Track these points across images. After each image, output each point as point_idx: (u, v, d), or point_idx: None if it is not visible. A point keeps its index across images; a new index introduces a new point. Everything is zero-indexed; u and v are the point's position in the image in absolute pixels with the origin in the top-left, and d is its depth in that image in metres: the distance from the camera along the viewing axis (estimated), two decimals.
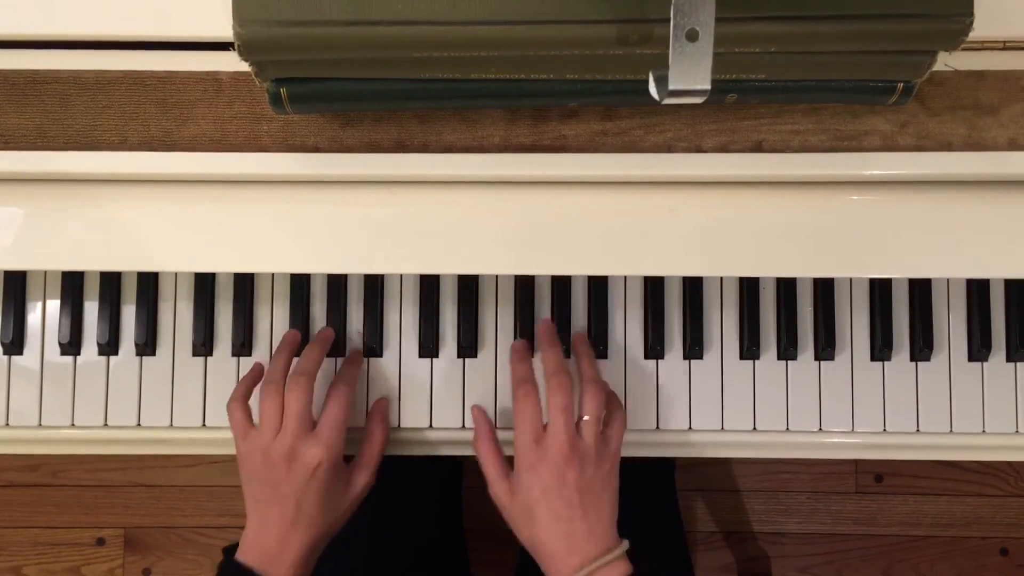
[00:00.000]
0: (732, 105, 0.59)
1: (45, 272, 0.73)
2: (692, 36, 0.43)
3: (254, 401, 0.69)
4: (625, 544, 0.64)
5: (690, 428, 0.73)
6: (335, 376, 0.70)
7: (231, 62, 0.59)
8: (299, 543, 0.65)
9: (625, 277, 0.73)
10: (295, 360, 0.69)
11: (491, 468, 0.67)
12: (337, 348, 0.73)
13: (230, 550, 0.67)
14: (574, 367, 0.69)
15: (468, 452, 0.74)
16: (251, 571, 0.64)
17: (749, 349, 0.72)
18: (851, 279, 0.73)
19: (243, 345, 0.72)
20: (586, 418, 0.65)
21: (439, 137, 0.60)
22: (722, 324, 0.73)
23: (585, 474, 0.63)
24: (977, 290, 0.73)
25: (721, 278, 0.73)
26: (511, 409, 0.69)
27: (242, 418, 0.67)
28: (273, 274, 0.73)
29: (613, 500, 0.65)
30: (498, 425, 0.72)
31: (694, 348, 0.73)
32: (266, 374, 0.68)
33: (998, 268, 0.62)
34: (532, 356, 0.71)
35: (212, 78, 0.59)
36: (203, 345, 0.72)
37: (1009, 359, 0.73)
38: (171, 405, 0.73)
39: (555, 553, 0.63)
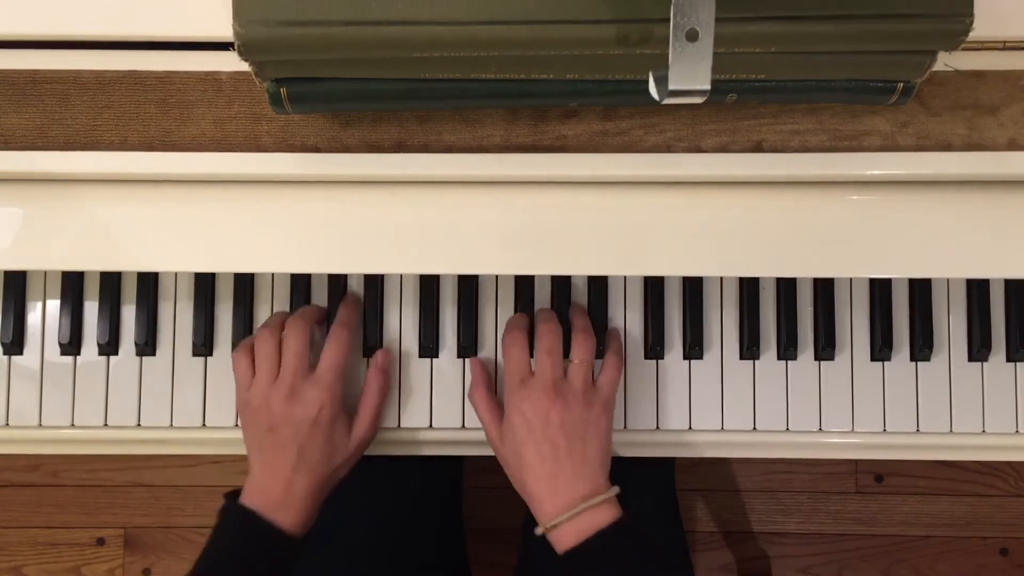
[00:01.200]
0: (732, 105, 0.59)
1: (45, 272, 0.73)
2: (692, 36, 0.43)
3: None
4: (615, 489, 0.63)
5: (690, 428, 0.73)
6: (335, 320, 0.70)
7: (231, 62, 0.59)
8: (302, 487, 0.64)
9: (625, 277, 0.73)
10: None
11: (485, 413, 0.68)
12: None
13: (233, 495, 0.66)
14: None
15: (468, 452, 0.74)
16: (254, 513, 0.64)
17: (749, 349, 0.72)
18: (851, 279, 0.73)
19: None
20: (575, 361, 0.65)
21: (439, 137, 0.60)
22: (722, 324, 0.73)
23: (571, 414, 0.63)
24: (977, 290, 0.73)
25: (721, 278, 0.73)
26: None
27: (246, 366, 0.67)
28: (273, 274, 0.73)
29: (602, 444, 0.65)
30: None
31: (694, 348, 0.73)
32: (265, 322, 0.69)
33: (998, 268, 0.62)
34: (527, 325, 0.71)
35: (212, 78, 0.59)
36: (203, 345, 0.72)
37: (1009, 359, 0.73)
38: (171, 405, 0.73)
39: (541, 494, 0.63)
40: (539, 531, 0.63)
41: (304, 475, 0.64)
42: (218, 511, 0.66)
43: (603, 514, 0.61)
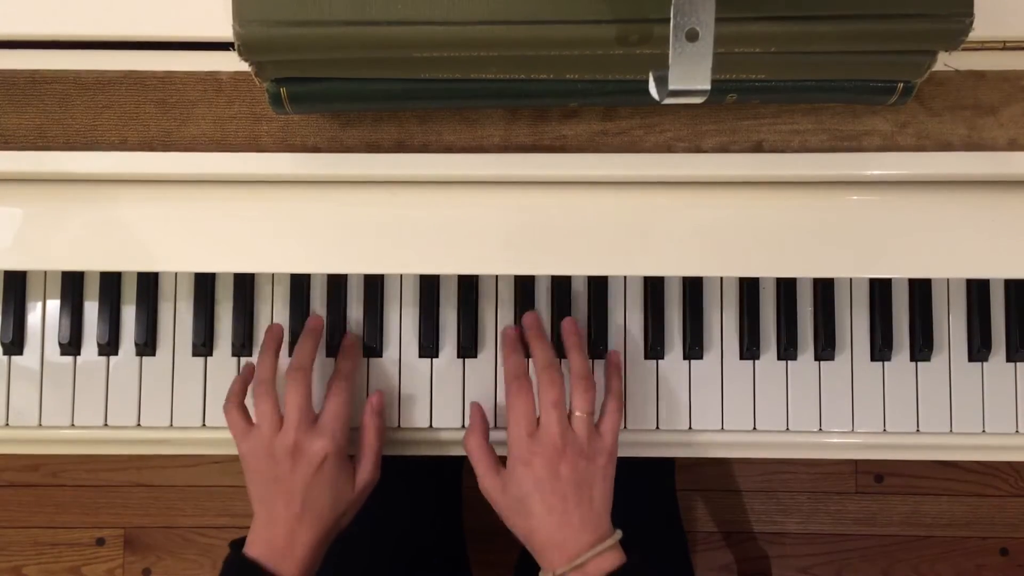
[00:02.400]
0: (732, 105, 0.59)
1: (45, 272, 0.73)
2: (692, 36, 0.43)
3: (248, 402, 0.69)
4: (618, 534, 0.64)
5: (690, 428, 0.73)
6: (333, 372, 0.70)
7: (231, 62, 0.59)
8: (307, 538, 0.65)
9: (625, 277, 0.73)
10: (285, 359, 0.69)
11: (481, 462, 0.68)
12: (332, 346, 0.73)
13: (237, 544, 0.66)
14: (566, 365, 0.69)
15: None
16: (257, 565, 0.64)
17: (749, 349, 0.72)
18: (851, 279, 0.73)
19: (243, 345, 0.72)
20: (577, 414, 0.65)
21: (439, 137, 0.60)
22: (722, 324, 0.73)
23: (578, 467, 0.64)
24: (977, 290, 0.73)
25: (721, 278, 0.73)
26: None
27: (239, 418, 0.68)
28: (273, 274, 0.73)
29: (607, 492, 0.65)
30: (496, 425, 0.72)
31: (694, 348, 0.73)
32: (256, 375, 0.68)
33: (998, 268, 0.62)
34: (524, 347, 0.71)
35: (212, 78, 0.59)
36: (203, 345, 0.72)
37: (1009, 359, 0.73)
38: (171, 405, 0.73)
39: (548, 544, 0.63)
40: None
41: (308, 525, 0.65)
42: (223, 561, 0.66)
43: (608, 560, 0.62)
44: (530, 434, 0.65)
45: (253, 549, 0.65)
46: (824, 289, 0.73)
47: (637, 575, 0.63)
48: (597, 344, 0.72)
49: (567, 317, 0.72)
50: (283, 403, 0.66)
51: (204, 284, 0.72)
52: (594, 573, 0.62)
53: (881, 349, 0.72)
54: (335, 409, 0.67)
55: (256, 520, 0.66)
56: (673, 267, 0.62)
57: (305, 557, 0.65)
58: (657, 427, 0.73)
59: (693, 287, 0.73)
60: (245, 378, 0.70)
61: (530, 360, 0.70)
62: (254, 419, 0.67)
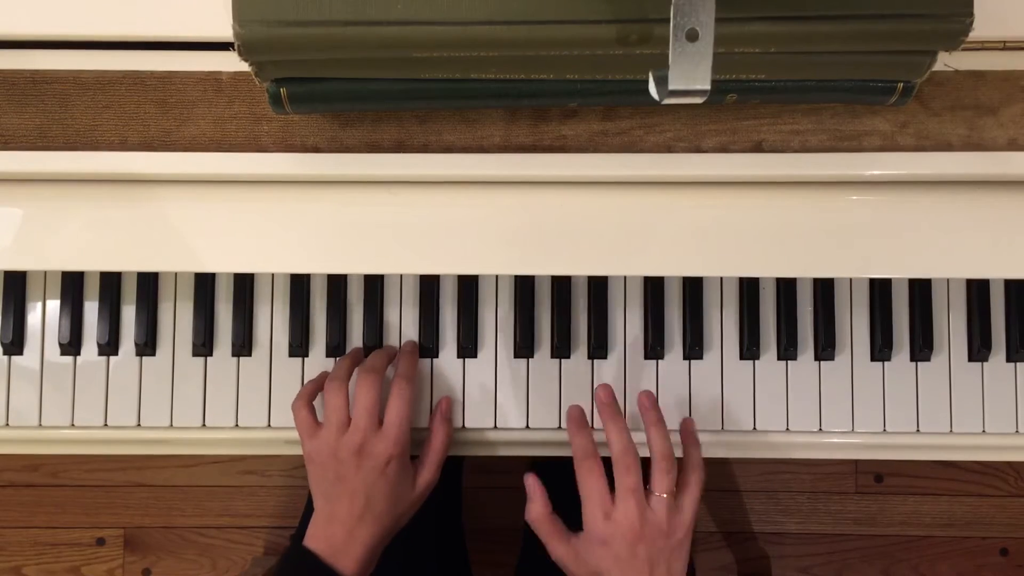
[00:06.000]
0: (732, 105, 0.59)
1: (45, 272, 0.73)
2: (692, 36, 0.43)
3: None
4: None
5: None
6: (395, 373, 0.70)
7: (231, 62, 0.59)
8: (366, 536, 0.66)
9: (625, 277, 0.73)
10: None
11: (549, 535, 0.68)
12: (331, 347, 0.72)
13: (297, 537, 0.67)
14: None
15: (469, 452, 0.74)
16: (317, 557, 0.65)
17: (749, 349, 0.72)
18: (851, 279, 0.73)
19: (243, 345, 0.72)
20: (657, 494, 0.65)
21: (439, 137, 0.60)
22: (722, 324, 0.73)
23: (656, 546, 0.64)
24: (977, 290, 0.73)
25: (721, 278, 0.73)
26: (507, 408, 0.71)
27: (307, 416, 0.68)
28: (273, 274, 0.73)
29: (684, 564, 0.66)
30: (497, 425, 0.72)
31: (694, 348, 0.73)
32: (332, 372, 0.69)
33: (998, 268, 0.62)
34: (589, 422, 0.71)
35: (212, 78, 0.59)
36: (203, 345, 0.72)
37: (1009, 359, 0.73)
38: (171, 405, 0.73)
39: None
40: None
41: (368, 525, 0.66)
42: (282, 552, 0.66)
43: None
44: (607, 515, 0.65)
45: (313, 543, 0.66)
46: (824, 289, 0.73)
47: None
48: (597, 345, 0.72)
49: (644, 391, 0.71)
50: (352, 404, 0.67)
51: (204, 284, 0.72)
52: None
53: (881, 349, 0.72)
54: (399, 412, 0.67)
55: (317, 516, 0.67)
56: (673, 267, 0.62)
57: (363, 555, 0.65)
58: None
59: (693, 287, 0.73)
60: (318, 383, 0.71)
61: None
62: (321, 418, 0.68)
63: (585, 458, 0.67)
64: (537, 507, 0.69)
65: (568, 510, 0.69)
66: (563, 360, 0.73)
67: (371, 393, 0.66)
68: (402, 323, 0.73)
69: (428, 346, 0.73)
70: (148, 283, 0.73)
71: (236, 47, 0.48)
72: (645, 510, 0.65)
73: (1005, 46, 0.58)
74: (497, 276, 0.73)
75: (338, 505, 0.66)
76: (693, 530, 0.67)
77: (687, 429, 0.71)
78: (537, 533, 0.69)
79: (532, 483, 0.70)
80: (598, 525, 0.65)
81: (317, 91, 0.54)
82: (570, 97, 0.55)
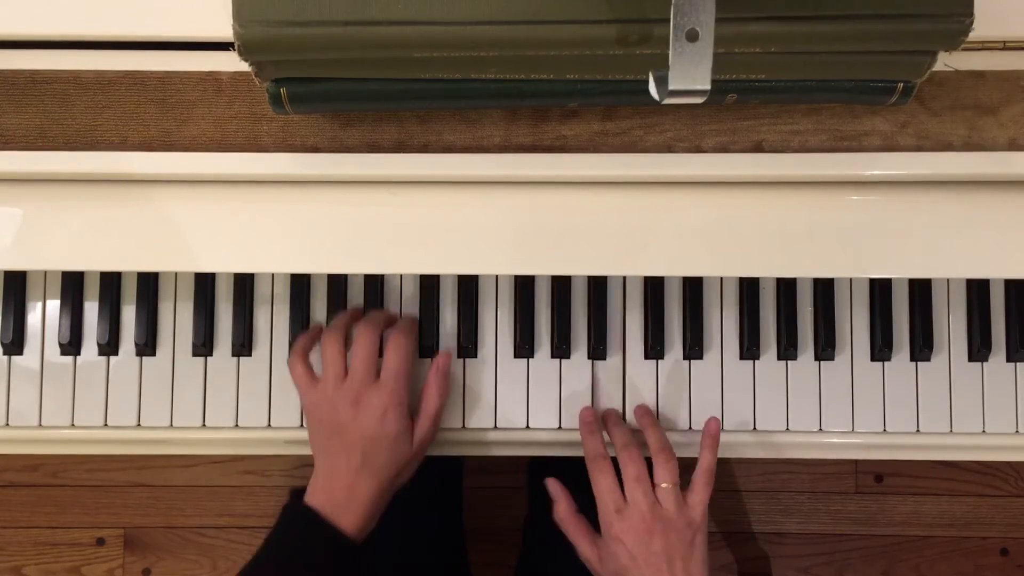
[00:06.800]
0: (732, 105, 0.59)
1: (45, 272, 0.73)
2: (692, 36, 0.43)
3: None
4: None
5: (690, 428, 0.73)
6: (393, 328, 0.70)
7: (231, 62, 0.59)
8: (366, 490, 0.66)
9: (625, 277, 0.73)
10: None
11: (576, 534, 0.69)
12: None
13: (298, 492, 0.67)
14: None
15: (469, 452, 0.74)
16: (316, 513, 0.65)
17: (749, 349, 0.72)
18: (851, 279, 0.73)
19: (243, 345, 0.72)
20: (663, 485, 0.66)
21: (439, 137, 0.60)
22: (722, 324, 0.73)
23: (669, 539, 0.65)
24: (977, 290, 0.73)
25: (721, 278, 0.73)
26: (507, 408, 0.72)
27: (304, 371, 0.68)
28: (273, 274, 0.73)
29: (701, 563, 0.66)
30: (497, 425, 0.72)
31: (694, 348, 0.73)
32: (330, 324, 0.69)
33: (998, 268, 0.62)
34: (600, 428, 0.71)
35: (212, 78, 0.59)
36: (203, 345, 0.72)
37: (1009, 359, 0.73)
38: (171, 405, 0.73)
39: None
40: None
41: (368, 478, 0.66)
42: (281, 508, 0.67)
43: None
44: (618, 510, 0.66)
45: (314, 499, 0.66)
46: (824, 289, 0.73)
47: None
48: (597, 345, 0.72)
49: (639, 404, 0.73)
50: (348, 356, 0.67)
51: (204, 284, 0.72)
52: None
53: (881, 349, 0.72)
54: (395, 365, 0.67)
55: (316, 472, 0.67)
56: (673, 267, 0.62)
57: (364, 510, 0.65)
58: None
59: (693, 287, 0.73)
60: (312, 336, 0.70)
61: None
62: (318, 371, 0.68)
63: (596, 458, 0.68)
64: (563, 507, 0.70)
65: (584, 513, 0.70)
66: (563, 360, 0.73)
67: (369, 344, 0.66)
68: None
69: (429, 346, 0.73)
70: (148, 283, 0.73)
71: (236, 47, 0.48)
72: (653, 502, 0.65)
73: (1005, 46, 0.58)
74: (497, 276, 0.73)
75: (337, 458, 0.66)
76: (707, 536, 0.67)
77: (709, 431, 0.70)
78: (565, 533, 0.70)
79: (554, 485, 0.72)
80: (612, 521, 0.66)
81: (317, 91, 0.54)
82: (570, 97, 0.55)
